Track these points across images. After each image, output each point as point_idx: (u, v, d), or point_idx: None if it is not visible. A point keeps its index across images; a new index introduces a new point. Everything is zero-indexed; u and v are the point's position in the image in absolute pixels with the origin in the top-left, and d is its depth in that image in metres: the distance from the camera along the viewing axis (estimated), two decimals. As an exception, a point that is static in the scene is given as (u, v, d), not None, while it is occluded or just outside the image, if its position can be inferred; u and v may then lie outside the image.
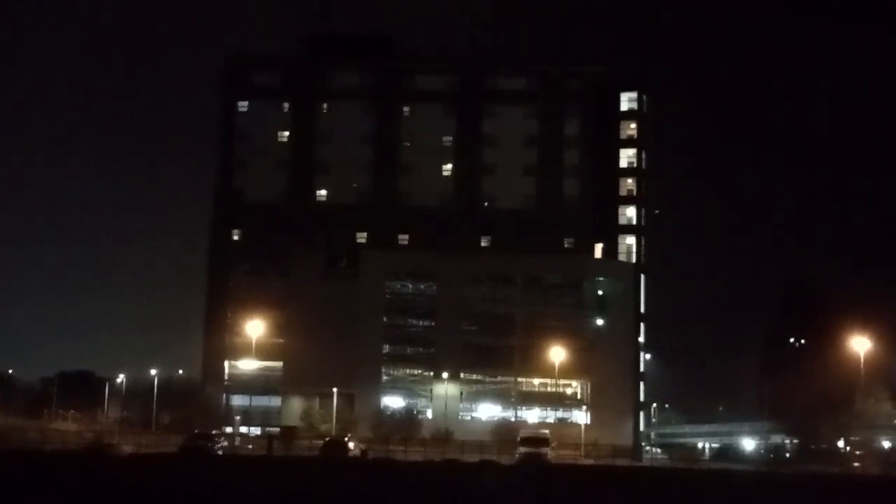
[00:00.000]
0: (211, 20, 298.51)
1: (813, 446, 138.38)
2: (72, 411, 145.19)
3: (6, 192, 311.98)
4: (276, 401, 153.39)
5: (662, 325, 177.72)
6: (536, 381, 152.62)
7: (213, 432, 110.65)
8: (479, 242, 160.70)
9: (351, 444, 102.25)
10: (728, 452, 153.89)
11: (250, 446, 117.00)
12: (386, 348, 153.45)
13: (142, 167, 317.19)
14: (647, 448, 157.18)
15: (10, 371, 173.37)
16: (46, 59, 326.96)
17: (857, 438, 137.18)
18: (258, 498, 56.03)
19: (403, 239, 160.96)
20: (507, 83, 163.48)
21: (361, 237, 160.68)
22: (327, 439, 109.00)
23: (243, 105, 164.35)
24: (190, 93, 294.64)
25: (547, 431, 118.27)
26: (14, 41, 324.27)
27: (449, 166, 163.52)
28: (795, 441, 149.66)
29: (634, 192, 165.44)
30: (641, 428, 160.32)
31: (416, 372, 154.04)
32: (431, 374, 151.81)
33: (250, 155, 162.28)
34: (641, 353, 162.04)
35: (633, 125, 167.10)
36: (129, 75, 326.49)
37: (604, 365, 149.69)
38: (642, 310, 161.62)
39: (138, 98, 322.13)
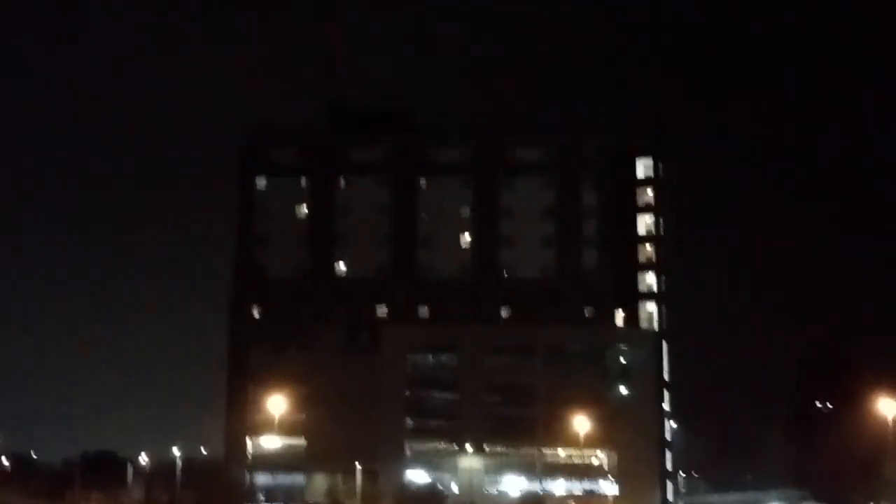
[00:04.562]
0: (224, 96, 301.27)
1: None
2: (95, 493, 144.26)
3: (20, 269, 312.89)
4: (300, 478, 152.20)
5: (686, 391, 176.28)
6: (561, 451, 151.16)
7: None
8: (500, 313, 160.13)
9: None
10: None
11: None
12: (408, 422, 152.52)
13: (161, 242, 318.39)
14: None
15: (32, 453, 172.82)
16: (63, 130, 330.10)
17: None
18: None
19: (423, 311, 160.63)
20: (522, 153, 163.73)
21: (381, 311, 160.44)
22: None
23: (261, 181, 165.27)
24: (208, 169, 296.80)
25: (573, 503, 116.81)
26: (27, 110, 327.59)
27: (467, 238, 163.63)
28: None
29: (653, 259, 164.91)
30: (669, 497, 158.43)
31: (439, 445, 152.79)
32: (455, 446, 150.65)
33: (269, 230, 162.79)
34: (666, 421, 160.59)
35: (650, 191, 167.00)
36: (146, 150, 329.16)
37: (629, 434, 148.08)
38: (666, 377, 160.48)
39: (156, 174, 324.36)
